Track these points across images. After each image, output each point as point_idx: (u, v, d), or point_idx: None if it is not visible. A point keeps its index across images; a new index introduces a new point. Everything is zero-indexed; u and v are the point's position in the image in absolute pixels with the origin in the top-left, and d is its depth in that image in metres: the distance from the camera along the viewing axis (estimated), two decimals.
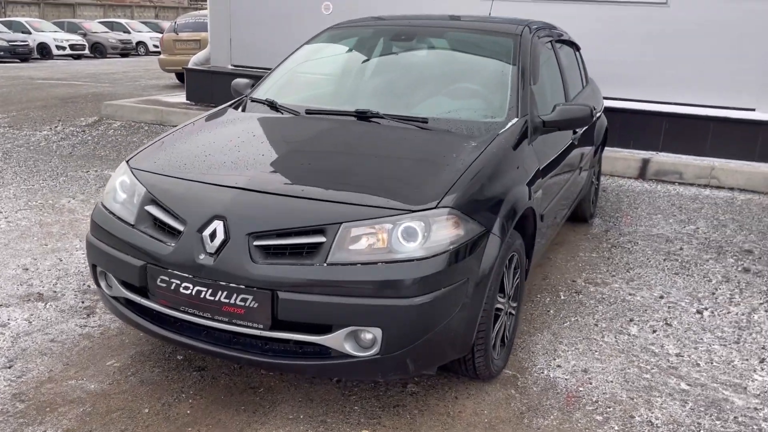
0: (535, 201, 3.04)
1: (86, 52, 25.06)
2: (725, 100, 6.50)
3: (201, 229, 2.39)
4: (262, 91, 3.62)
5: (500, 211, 2.58)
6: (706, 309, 3.67)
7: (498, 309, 2.75)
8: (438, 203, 2.39)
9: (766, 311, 3.67)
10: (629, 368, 3.00)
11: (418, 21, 4.00)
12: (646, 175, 6.53)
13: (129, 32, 27.88)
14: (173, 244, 2.42)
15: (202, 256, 2.35)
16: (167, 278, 2.41)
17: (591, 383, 2.86)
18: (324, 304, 2.25)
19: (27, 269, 3.88)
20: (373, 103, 3.33)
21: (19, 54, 21.91)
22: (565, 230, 5.01)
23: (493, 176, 2.67)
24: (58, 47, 23.89)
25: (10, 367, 2.82)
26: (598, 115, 4.88)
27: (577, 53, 4.85)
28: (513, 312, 3.00)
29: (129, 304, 2.63)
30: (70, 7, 38.01)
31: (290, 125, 3.13)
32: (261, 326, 2.31)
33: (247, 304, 2.30)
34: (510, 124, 3.08)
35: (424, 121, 3.08)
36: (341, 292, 2.25)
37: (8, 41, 21.77)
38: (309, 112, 3.27)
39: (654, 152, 6.77)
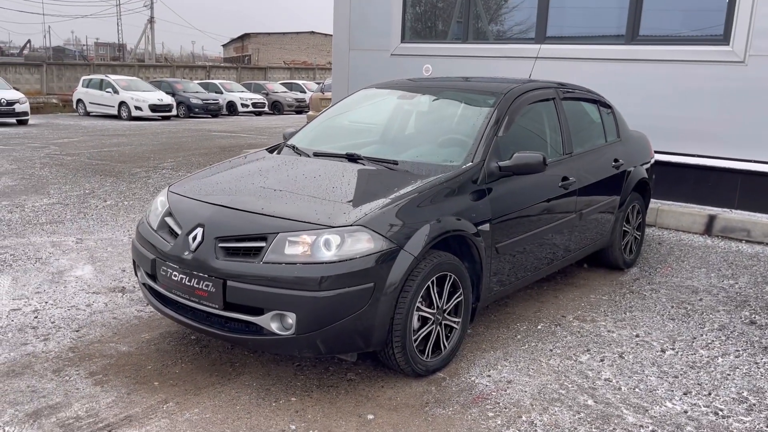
0: (482, 233, 3.58)
1: (266, 109, 28.29)
2: None
3: (189, 233, 3.28)
4: (295, 138, 4.54)
5: (416, 234, 3.18)
6: (673, 349, 3.87)
7: (425, 318, 3.32)
8: (354, 222, 3.07)
9: (735, 357, 3.78)
10: (551, 384, 3.37)
11: (430, 82, 4.71)
12: (712, 232, 6.48)
13: (304, 92, 30.97)
14: (172, 244, 3.34)
15: (186, 253, 3.24)
16: (166, 268, 3.33)
17: (506, 391, 3.29)
18: (257, 291, 3.01)
19: (124, 270, 5.06)
20: (366, 148, 4.10)
21: (210, 111, 25.38)
22: (594, 275, 5.30)
23: (417, 205, 3.28)
24: (243, 105, 27.29)
25: (77, 331, 3.88)
26: (625, 167, 5.17)
27: (602, 109, 5.22)
28: (455, 325, 3.53)
29: (149, 289, 3.57)
30: (262, 70, 42.88)
31: (292, 163, 3.97)
32: (217, 306, 3.13)
33: (208, 289, 3.13)
34: (464, 167, 3.66)
35: (395, 163, 3.78)
36: (270, 283, 3.00)
37: (203, 100, 25.35)
38: (315, 154, 4.11)
39: (727, 209, 6.69)
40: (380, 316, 3.08)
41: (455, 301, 3.50)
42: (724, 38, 6.73)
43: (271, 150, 4.46)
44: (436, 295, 3.35)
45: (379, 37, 9.24)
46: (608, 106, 5.36)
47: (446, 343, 3.49)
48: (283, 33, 62.55)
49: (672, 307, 4.61)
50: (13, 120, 19.29)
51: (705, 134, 6.83)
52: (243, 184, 3.67)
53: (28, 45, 68.57)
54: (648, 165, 5.72)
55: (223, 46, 79.19)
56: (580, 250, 4.80)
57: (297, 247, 3.04)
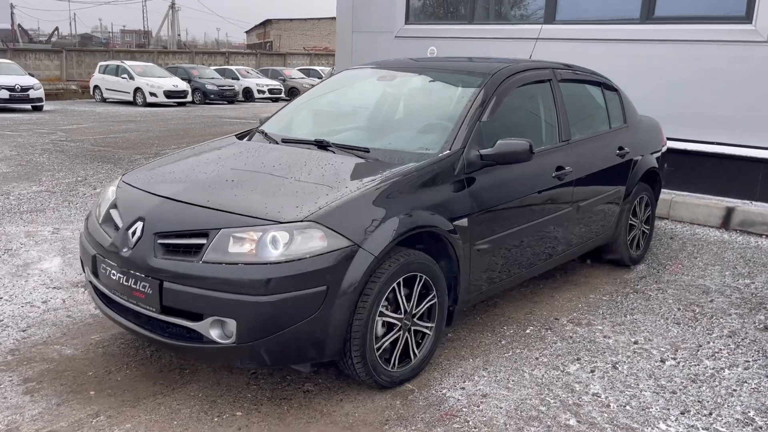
0: (459, 229, 3.22)
1: (283, 95, 28.00)
2: None
3: (128, 228, 2.97)
4: (269, 123, 4.20)
5: (378, 231, 2.83)
6: (674, 359, 3.47)
7: (391, 324, 2.98)
8: (305, 218, 2.73)
9: (744, 369, 3.38)
10: (531, 399, 3.01)
11: (418, 62, 4.32)
12: (729, 225, 6.02)
13: (322, 77, 30.61)
14: (112, 239, 3.03)
15: (125, 249, 2.92)
16: (105, 266, 3.02)
17: (479, 406, 2.94)
18: (195, 294, 2.69)
19: None
20: (341, 134, 3.76)
21: (226, 97, 25.15)
22: (597, 272, 4.90)
23: (382, 198, 2.93)
24: (259, 91, 27.01)
25: (24, 331, 3.61)
26: (631, 156, 4.76)
27: (606, 92, 4.78)
28: (427, 331, 3.18)
29: (95, 288, 3.27)
30: (282, 56, 42.59)
31: (256, 151, 3.63)
32: (154, 309, 2.81)
33: (145, 290, 2.81)
34: (440, 155, 3.29)
35: (366, 150, 3.42)
36: (209, 285, 2.67)
37: (218, 86, 25.12)
38: (284, 140, 3.77)
39: (747, 201, 6.21)
40: (335, 323, 2.75)
41: (428, 305, 3.15)
42: (747, 16, 6.22)
43: (241, 136, 4.13)
44: (404, 298, 3.01)
45: (383, 18, 8.85)
46: (614, 89, 4.93)
47: (416, 351, 3.14)
48: (305, 19, 62.16)
49: (678, 309, 4.21)
50: (29, 106, 19.22)
51: (724, 120, 6.35)
52: (196, 173, 3.35)
53: (56, 32, 69.19)
54: (659, 153, 5.29)
55: (246, 32, 79.16)
56: (579, 245, 4.41)
57: (241, 245, 2.71)
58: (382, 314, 2.91)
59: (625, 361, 3.42)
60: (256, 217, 2.77)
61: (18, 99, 18.83)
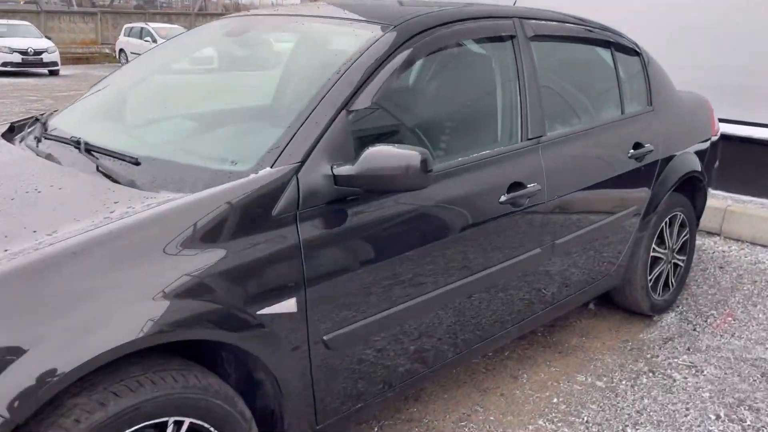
0: (277, 319, 1.70)
1: None
2: None
3: None
4: (68, 108, 2.70)
5: (29, 357, 1.33)
6: None
7: None
8: None
9: None
10: None
11: (291, 9, 2.71)
12: None
13: None
14: None
15: None
16: None
17: None
18: None
19: None
20: (145, 126, 2.25)
21: None
22: (600, 328, 3.31)
23: (70, 279, 1.43)
24: None
25: None
26: (657, 156, 3.09)
27: (619, 57, 3.07)
28: None
29: None
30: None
31: None
32: None
33: None
34: (252, 177, 1.74)
35: (136, 162, 1.90)
36: None
37: None
38: (46, 137, 2.28)
39: None
40: None
41: None
42: None
43: (19, 127, 2.64)
44: None
45: None
46: (634, 51, 3.21)
47: None
48: None
49: (717, 416, 2.58)
50: (45, 70, 18.33)
51: None
52: None
53: None
54: (705, 146, 3.57)
55: None
56: (560, 301, 2.80)
57: None
58: None
59: None
60: None
61: (31, 63, 17.95)
